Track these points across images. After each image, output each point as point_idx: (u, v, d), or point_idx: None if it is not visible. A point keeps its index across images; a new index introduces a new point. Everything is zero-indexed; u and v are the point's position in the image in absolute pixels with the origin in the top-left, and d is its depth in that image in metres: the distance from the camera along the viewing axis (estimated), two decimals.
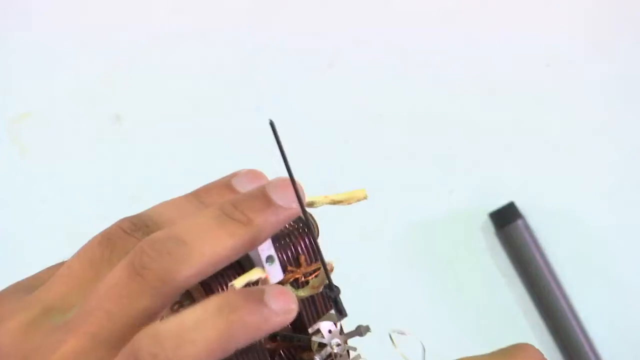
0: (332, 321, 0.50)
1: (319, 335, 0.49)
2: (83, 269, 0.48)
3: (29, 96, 0.91)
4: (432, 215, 0.89)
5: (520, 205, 0.88)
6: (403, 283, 0.87)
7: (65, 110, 0.90)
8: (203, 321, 0.44)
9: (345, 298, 0.55)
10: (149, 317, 0.46)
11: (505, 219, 0.87)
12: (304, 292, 0.49)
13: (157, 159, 0.90)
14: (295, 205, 0.47)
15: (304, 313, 0.50)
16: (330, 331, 0.50)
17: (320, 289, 0.49)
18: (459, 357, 0.50)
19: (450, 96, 0.91)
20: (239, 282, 0.46)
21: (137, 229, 0.48)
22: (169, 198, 0.50)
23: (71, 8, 0.93)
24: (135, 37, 0.92)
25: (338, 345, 0.49)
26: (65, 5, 0.93)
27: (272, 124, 0.46)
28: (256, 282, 0.47)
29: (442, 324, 0.88)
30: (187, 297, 0.48)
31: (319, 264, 0.49)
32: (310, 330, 0.50)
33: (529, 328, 0.88)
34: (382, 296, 0.82)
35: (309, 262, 0.49)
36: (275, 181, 0.47)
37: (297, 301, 0.45)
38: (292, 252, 0.49)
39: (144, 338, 0.44)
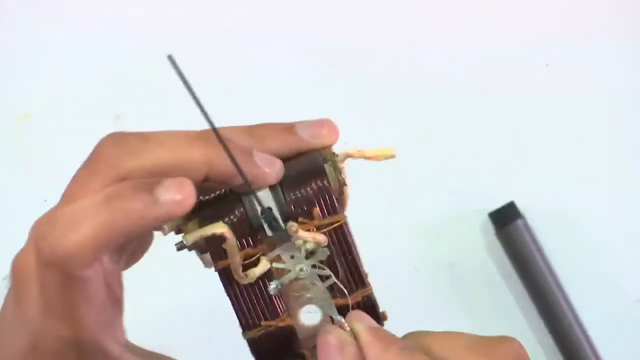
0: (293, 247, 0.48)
1: (280, 262, 0.49)
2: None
3: (29, 97, 0.91)
4: (432, 215, 0.89)
5: (520, 205, 0.88)
6: (403, 283, 0.87)
7: (65, 110, 0.90)
8: (90, 207, 0.45)
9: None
10: None
11: (505, 219, 0.87)
12: (309, 245, 0.49)
13: None
14: (268, 170, 0.48)
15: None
16: (292, 257, 0.49)
17: (325, 243, 0.49)
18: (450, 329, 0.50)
19: (450, 96, 0.91)
20: (191, 236, 0.47)
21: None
22: None
23: (71, 8, 0.93)
24: (136, 37, 0.92)
25: (301, 270, 0.49)
26: (65, 5, 0.93)
27: (170, 58, 0.47)
28: (218, 238, 0.47)
29: (442, 324, 0.87)
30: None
31: (335, 217, 0.49)
32: (264, 259, 0.49)
33: (528, 328, 0.88)
34: (382, 296, 0.82)
35: (324, 214, 0.49)
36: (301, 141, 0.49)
37: (193, 195, 0.45)
38: (306, 203, 0.48)
39: (40, 219, 0.46)
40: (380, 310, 0.52)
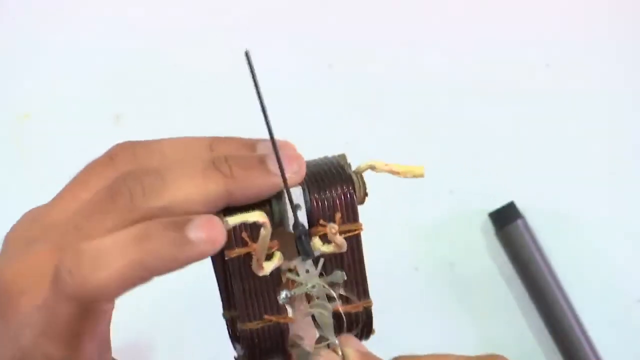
0: (310, 263, 0.49)
1: (294, 272, 0.49)
2: (79, 188, 0.50)
3: (29, 97, 0.91)
4: (432, 215, 0.89)
5: (520, 205, 0.88)
6: (403, 283, 0.87)
7: (65, 110, 0.90)
8: (119, 247, 0.45)
9: None
10: None
11: (505, 219, 0.87)
12: (327, 249, 0.49)
13: None
14: (288, 174, 0.48)
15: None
16: (307, 271, 0.49)
17: (344, 249, 0.49)
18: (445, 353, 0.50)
19: (450, 96, 0.91)
20: (232, 219, 0.47)
21: (134, 157, 0.50)
22: None
23: (71, 8, 0.93)
24: (136, 37, 0.92)
25: (313, 287, 0.49)
26: (65, 5, 0.93)
27: (247, 55, 0.47)
28: (256, 226, 0.48)
29: (442, 324, 0.88)
30: None
31: (354, 224, 0.50)
32: (283, 267, 0.49)
33: (528, 328, 0.88)
34: (382, 296, 0.82)
35: (344, 220, 0.50)
36: (283, 149, 0.49)
37: (224, 233, 0.45)
38: (329, 207, 0.49)
39: (67, 254, 0.46)
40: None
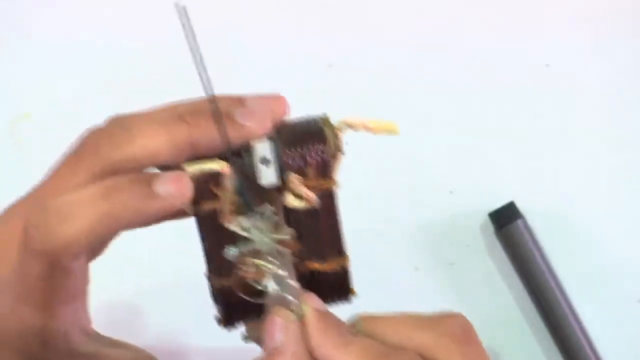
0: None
1: (246, 230, 0.49)
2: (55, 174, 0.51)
3: (29, 97, 0.91)
4: (432, 215, 0.89)
5: (520, 205, 0.88)
6: (403, 283, 0.87)
7: (65, 110, 0.90)
8: (87, 199, 0.46)
9: None
10: None
11: (505, 219, 0.87)
12: (299, 204, 0.49)
13: None
14: (250, 123, 0.48)
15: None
16: (260, 228, 0.50)
17: (315, 204, 0.50)
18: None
19: (449, 96, 0.91)
20: (192, 167, 0.47)
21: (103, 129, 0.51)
22: None
23: (72, 8, 0.93)
24: (136, 37, 0.92)
25: (264, 243, 0.50)
26: (65, 5, 0.93)
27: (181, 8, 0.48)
28: (215, 176, 0.48)
29: None
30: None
31: (325, 180, 0.50)
32: (227, 226, 0.49)
33: (528, 328, 0.88)
34: (381, 296, 0.82)
35: (316, 175, 0.50)
36: (250, 100, 0.49)
37: (191, 187, 0.46)
38: (300, 163, 0.50)
39: (34, 209, 0.47)
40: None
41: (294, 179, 0.49)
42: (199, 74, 0.47)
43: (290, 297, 0.49)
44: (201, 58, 0.47)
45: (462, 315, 0.51)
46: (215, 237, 0.49)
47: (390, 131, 0.54)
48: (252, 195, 0.48)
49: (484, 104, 0.91)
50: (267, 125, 0.50)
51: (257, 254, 0.49)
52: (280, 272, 0.49)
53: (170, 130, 0.48)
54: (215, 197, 0.48)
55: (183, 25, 0.48)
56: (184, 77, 0.91)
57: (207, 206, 0.49)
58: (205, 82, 0.47)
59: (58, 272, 0.46)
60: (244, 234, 0.49)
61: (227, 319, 0.52)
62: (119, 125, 0.48)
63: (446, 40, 0.93)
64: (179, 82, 0.92)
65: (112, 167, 0.47)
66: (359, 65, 0.92)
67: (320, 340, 0.48)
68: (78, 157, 0.48)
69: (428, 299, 0.87)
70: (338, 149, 0.51)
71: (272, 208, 0.49)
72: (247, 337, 0.53)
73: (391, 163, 0.90)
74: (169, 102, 0.52)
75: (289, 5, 0.93)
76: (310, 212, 0.50)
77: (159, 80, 0.90)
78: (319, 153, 0.50)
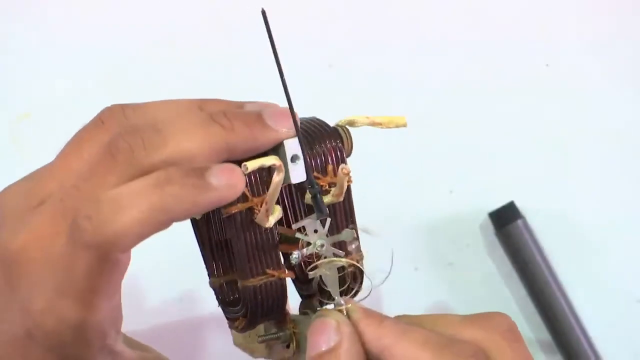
0: (316, 221, 0.50)
1: (304, 233, 0.50)
2: (73, 155, 0.50)
3: (29, 96, 0.91)
4: (432, 215, 0.89)
5: (520, 205, 0.88)
6: (403, 283, 0.87)
7: (65, 110, 0.90)
8: (140, 192, 0.45)
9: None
10: None
11: (505, 219, 0.87)
12: (325, 199, 0.50)
13: None
14: (284, 129, 0.48)
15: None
16: (315, 231, 0.50)
17: (341, 199, 0.50)
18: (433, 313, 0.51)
19: (450, 96, 0.91)
20: (251, 163, 0.47)
21: (126, 118, 0.50)
22: None
23: (71, 8, 0.93)
24: (135, 36, 0.92)
25: (322, 245, 0.50)
26: (65, 5, 0.93)
27: (263, 13, 0.48)
28: (256, 181, 0.49)
29: None
30: None
31: (342, 177, 0.51)
32: (293, 227, 0.50)
33: (528, 328, 0.88)
34: (381, 296, 0.82)
35: (335, 173, 0.51)
36: (273, 107, 0.49)
37: (244, 179, 0.46)
38: (321, 161, 0.51)
39: (85, 201, 0.46)
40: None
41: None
42: (281, 78, 0.47)
43: (338, 300, 0.50)
44: (279, 63, 0.47)
45: (507, 315, 0.51)
46: (248, 238, 0.49)
47: (400, 125, 0.54)
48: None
49: (484, 104, 0.91)
50: (293, 127, 0.50)
51: (311, 256, 0.50)
52: (334, 273, 0.50)
53: (205, 133, 0.47)
54: (247, 199, 0.49)
55: (267, 29, 0.48)
56: (184, 76, 0.91)
57: (239, 208, 0.49)
58: (285, 85, 0.47)
59: (105, 266, 0.46)
60: (304, 237, 0.49)
61: (251, 320, 0.52)
62: (150, 128, 0.47)
63: (446, 40, 0.92)
64: (179, 82, 0.92)
65: (149, 170, 0.46)
66: (359, 65, 0.92)
67: (379, 332, 0.48)
68: (108, 161, 0.47)
69: (428, 299, 0.87)
70: (351, 146, 0.52)
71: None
72: (264, 340, 0.53)
73: (391, 163, 0.90)
74: (184, 98, 0.51)
75: (289, 5, 0.93)
76: (331, 207, 0.51)
77: (159, 81, 0.90)
78: (337, 151, 0.51)
